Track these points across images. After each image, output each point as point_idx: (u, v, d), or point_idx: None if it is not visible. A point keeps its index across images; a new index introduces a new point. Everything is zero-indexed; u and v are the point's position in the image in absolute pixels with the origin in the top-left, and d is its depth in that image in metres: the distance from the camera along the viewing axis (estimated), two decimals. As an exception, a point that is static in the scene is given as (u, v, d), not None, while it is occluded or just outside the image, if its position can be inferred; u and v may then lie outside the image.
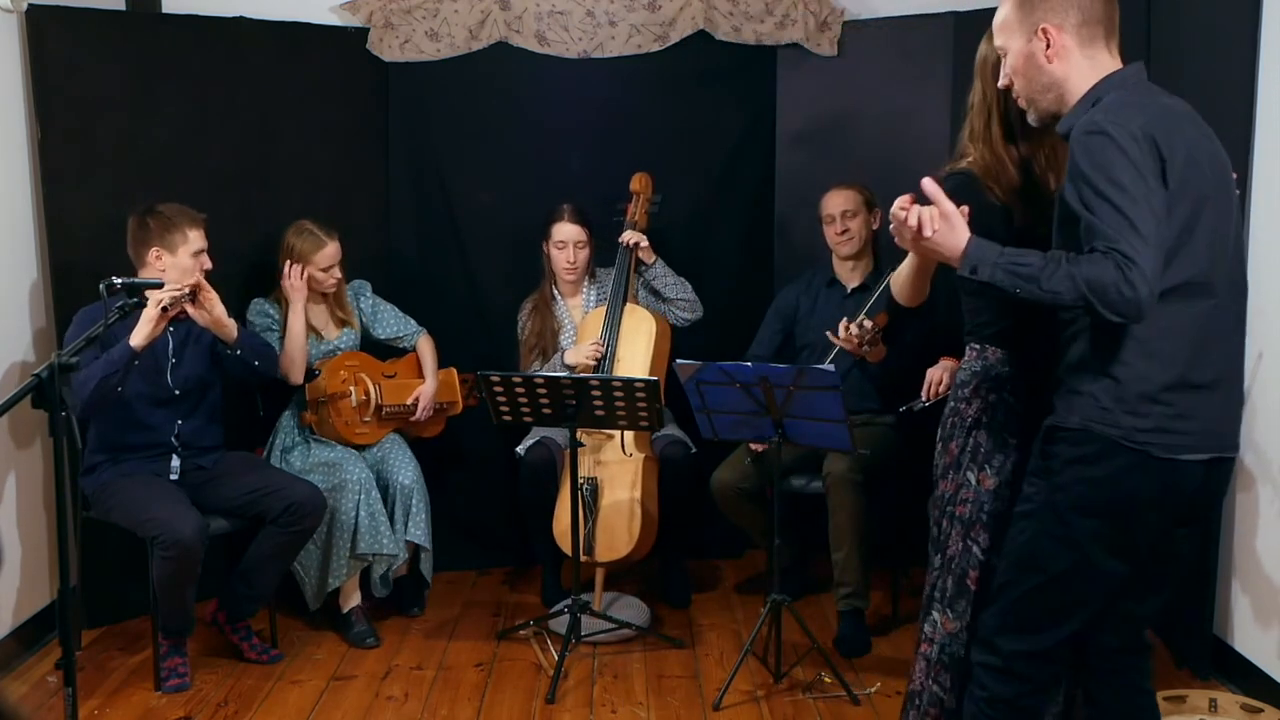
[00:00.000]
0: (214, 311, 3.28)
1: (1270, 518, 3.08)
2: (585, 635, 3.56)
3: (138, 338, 3.13)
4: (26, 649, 3.57)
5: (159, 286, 3.06)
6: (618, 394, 3.30)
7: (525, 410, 3.42)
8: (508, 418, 3.46)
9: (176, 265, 3.34)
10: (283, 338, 3.72)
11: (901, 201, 2.11)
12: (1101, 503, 2.12)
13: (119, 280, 2.69)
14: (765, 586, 3.71)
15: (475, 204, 4.32)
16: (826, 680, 3.33)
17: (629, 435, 3.79)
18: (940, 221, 2.06)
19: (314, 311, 3.83)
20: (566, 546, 3.69)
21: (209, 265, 3.41)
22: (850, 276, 3.87)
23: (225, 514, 3.43)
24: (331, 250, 3.75)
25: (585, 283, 4.10)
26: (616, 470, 3.79)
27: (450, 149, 4.28)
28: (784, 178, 4.41)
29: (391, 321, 3.99)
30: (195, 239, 3.37)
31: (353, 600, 3.72)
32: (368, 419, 3.83)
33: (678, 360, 3.19)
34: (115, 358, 3.13)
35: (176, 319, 3.24)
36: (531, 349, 4.05)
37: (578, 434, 3.51)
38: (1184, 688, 3.08)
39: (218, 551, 3.51)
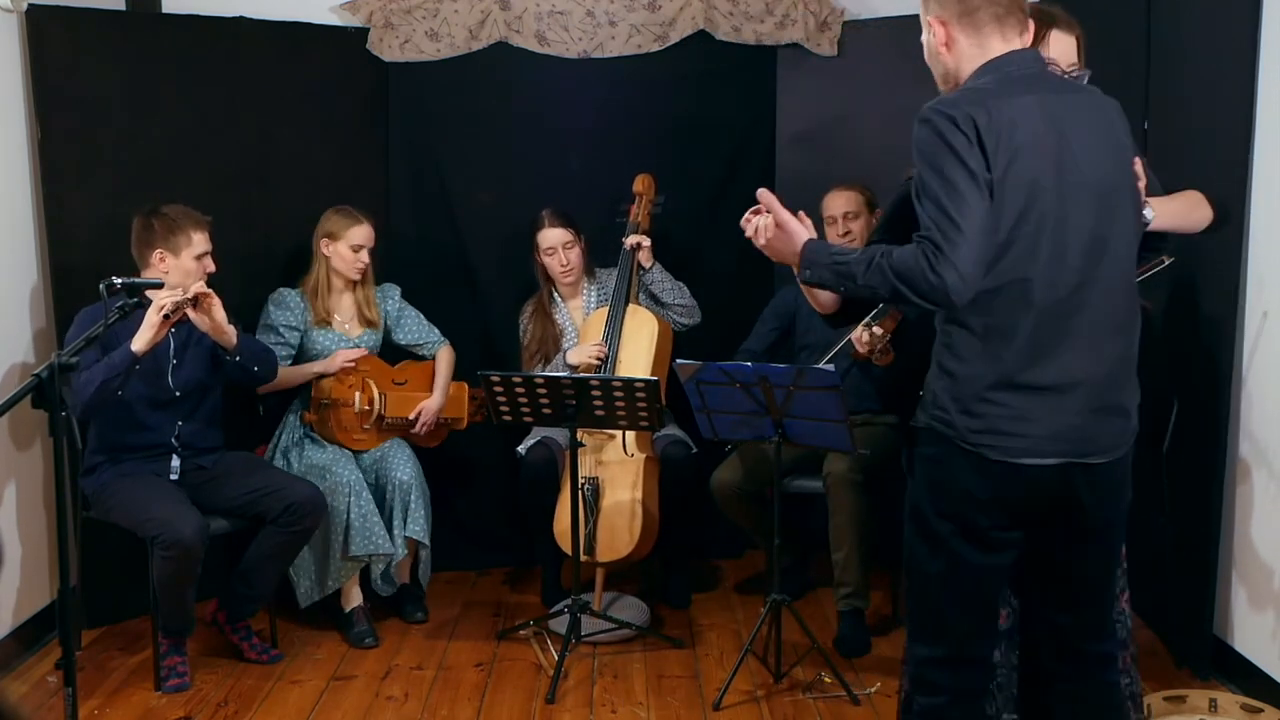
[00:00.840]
0: (215, 317, 3.27)
1: (1270, 518, 3.08)
2: (585, 635, 3.56)
3: (139, 342, 3.12)
4: (26, 649, 3.57)
5: (159, 286, 3.05)
6: (618, 394, 3.30)
7: (525, 410, 3.42)
8: (508, 418, 3.46)
9: (180, 267, 3.34)
10: (296, 336, 3.75)
11: (748, 212, 2.19)
12: (950, 503, 2.12)
13: (119, 280, 2.68)
14: (765, 586, 3.71)
15: (475, 204, 4.32)
16: (826, 680, 3.33)
17: (630, 435, 3.79)
18: (774, 230, 2.16)
19: (342, 304, 3.85)
20: (567, 546, 3.69)
21: (212, 268, 3.41)
22: (850, 277, 3.87)
23: (225, 514, 3.43)
24: (363, 230, 3.78)
25: (585, 283, 4.09)
26: (617, 470, 3.79)
27: (450, 149, 4.28)
28: (784, 178, 4.40)
29: (414, 328, 4.00)
30: (199, 241, 3.37)
31: (354, 600, 3.72)
32: (367, 427, 3.83)
33: (678, 360, 3.19)
34: (117, 361, 3.13)
35: (178, 321, 3.24)
36: (533, 354, 4.05)
37: (578, 434, 3.51)
38: (1184, 688, 3.07)
39: (218, 551, 3.51)
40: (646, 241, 3.95)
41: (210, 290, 3.25)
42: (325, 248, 3.79)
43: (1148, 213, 2.17)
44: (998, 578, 2.20)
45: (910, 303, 2.00)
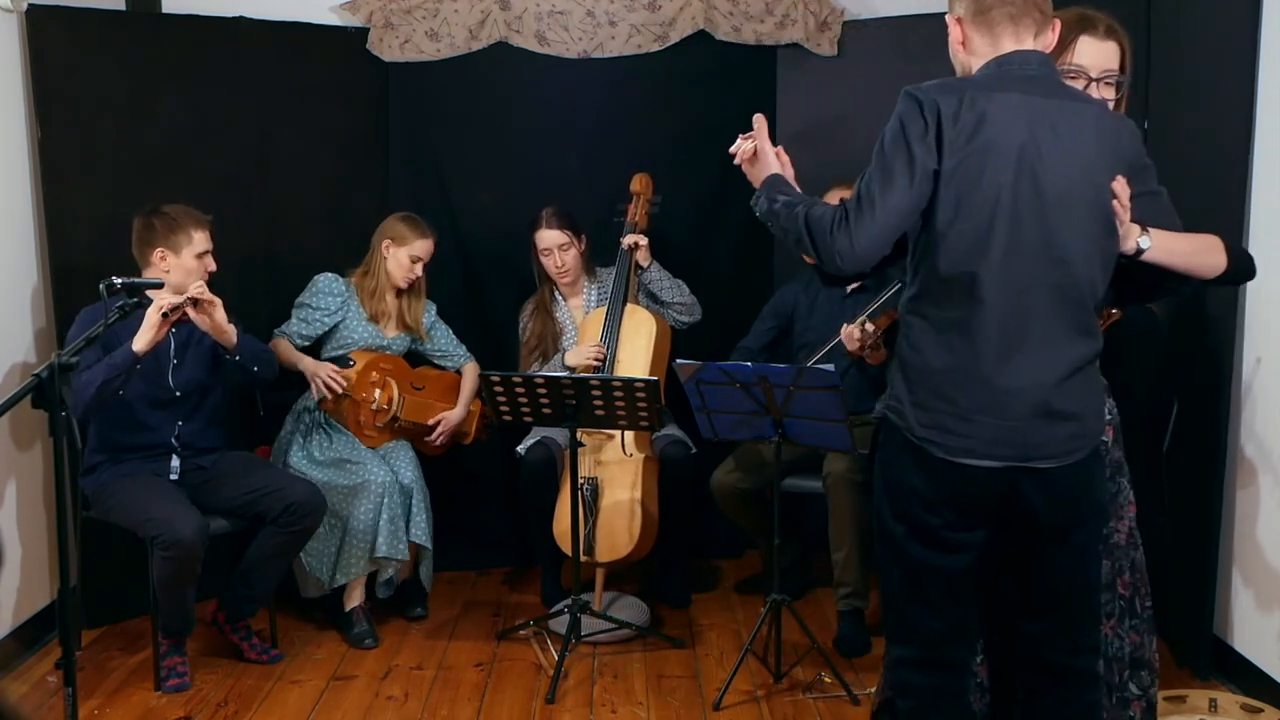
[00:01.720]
0: (215, 317, 3.27)
1: (1270, 518, 3.08)
2: (585, 635, 3.56)
3: (140, 342, 3.12)
4: (26, 649, 3.57)
5: (159, 286, 3.06)
6: (618, 394, 3.30)
7: (525, 410, 3.42)
8: (508, 418, 3.46)
9: (180, 267, 3.34)
10: (327, 322, 3.76)
11: (740, 137, 2.30)
12: (900, 503, 2.14)
13: (119, 280, 2.69)
14: (765, 586, 3.72)
15: (475, 204, 4.32)
16: (826, 680, 3.33)
17: (629, 435, 3.79)
18: (750, 156, 2.28)
19: (387, 303, 3.88)
20: (567, 546, 3.69)
21: (213, 267, 3.41)
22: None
23: (225, 514, 3.43)
24: (427, 245, 3.84)
25: (585, 282, 4.10)
26: (617, 470, 3.79)
27: (450, 149, 4.28)
28: (784, 178, 4.40)
29: (444, 342, 4.04)
30: (200, 240, 3.38)
31: (355, 599, 3.72)
32: (380, 426, 3.83)
33: (678, 360, 3.18)
34: (118, 361, 3.13)
35: (179, 321, 3.24)
36: (532, 351, 4.05)
37: (578, 434, 3.51)
38: (1184, 688, 3.08)
39: (218, 551, 3.50)
40: (643, 241, 3.95)
41: (212, 296, 3.24)
42: (386, 249, 3.82)
43: (1144, 240, 2.13)
44: (958, 578, 2.18)
45: (809, 254, 2.10)
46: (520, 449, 3.94)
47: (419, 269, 3.85)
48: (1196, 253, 2.22)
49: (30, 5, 3.54)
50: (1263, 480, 3.10)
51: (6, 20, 3.54)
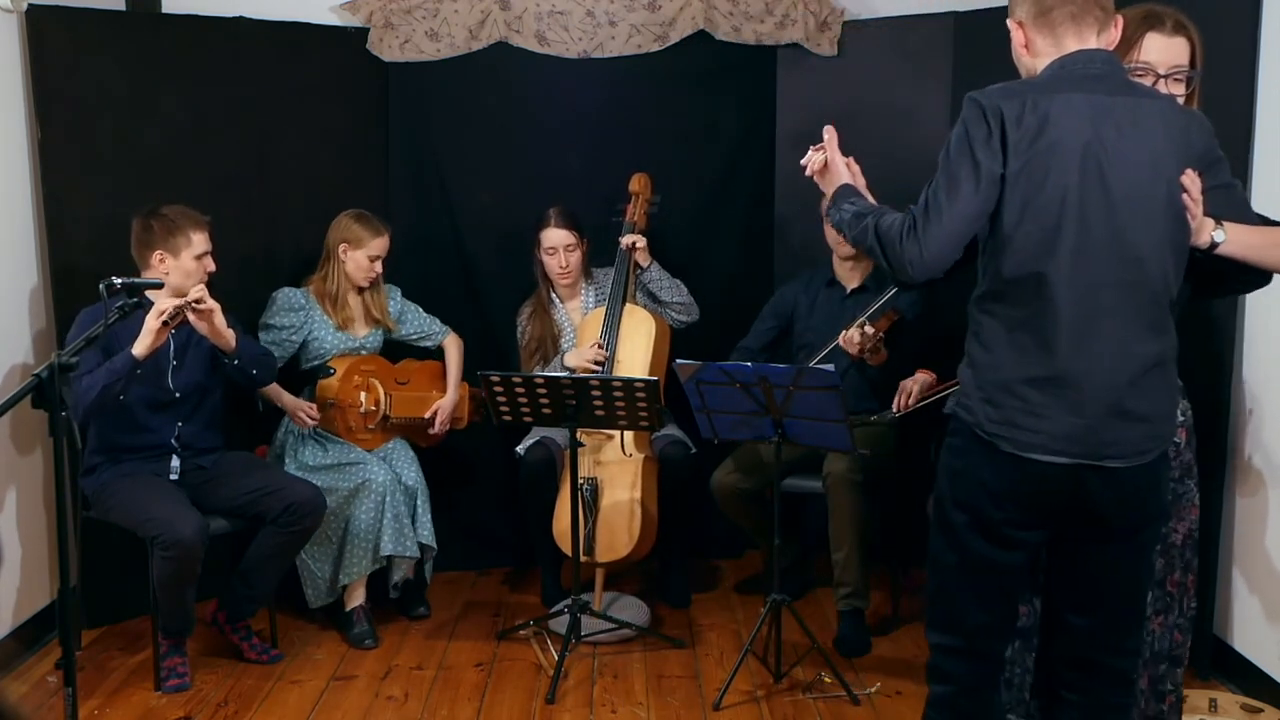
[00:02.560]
0: (214, 323, 3.27)
1: (1270, 518, 3.08)
2: (585, 635, 3.56)
3: (140, 347, 3.12)
4: (26, 649, 3.57)
5: (159, 286, 3.06)
6: (617, 394, 3.30)
7: (525, 410, 3.42)
8: (508, 418, 3.46)
9: (180, 268, 3.34)
10: (297, 338, 3.75)
11: (811, 148, 2.36)
12: (964, 494, 2.15)
13: (119, 280, 2.69)
14: (765, 586, 3.72)
15: (475, 204, 4.31)
16: (826, 680, 3.33)
17: (629, 435, 3.78)
18: (822, 167, 2.36)
19: (350, 305, 3.85)
20: (566, 546, 3.69)
21: (212, 268, 3.40)
22: (850, 277, 3.87)
23: (225, 514, 3.43)
24: (383, 242, 3.80)
25: (583, 284, 4.10)
26: (616, 470, 3.79)
27: (450, 149, 4.28)
28: (784, 178, 4.41)
29: (416, 322, 4.00)
30: (199, 242, 3.37)
31: (356, 599, 3.72)
32: (372, 428, 3.83)
33: (678, 360, 3.19)
34: (118, 366, 3.13)
35: (178, 324, 3.23)
36: (532, 354, 4.05)
37: (578, 434, 3.51)
38: (1184, 688, 3.07)
39: (218, 551, 3.50)
40: (642, 241, 3.95)
41: (211, 302, 3.24)
42: (343, 253, 3.79)
43: (1218, 234, 2.13)
44: (1012, 575, 2.20)
45: (883, 263, 2.13)
46: (519, 449, 3.94)
47: (378, 266, 3.82)
48: (1271, 246, 2.20)
49: (30, 5, 3.54)
50: (1263, 480, 3.10)
51: (6, 20, 3.54)
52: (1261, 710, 2.96)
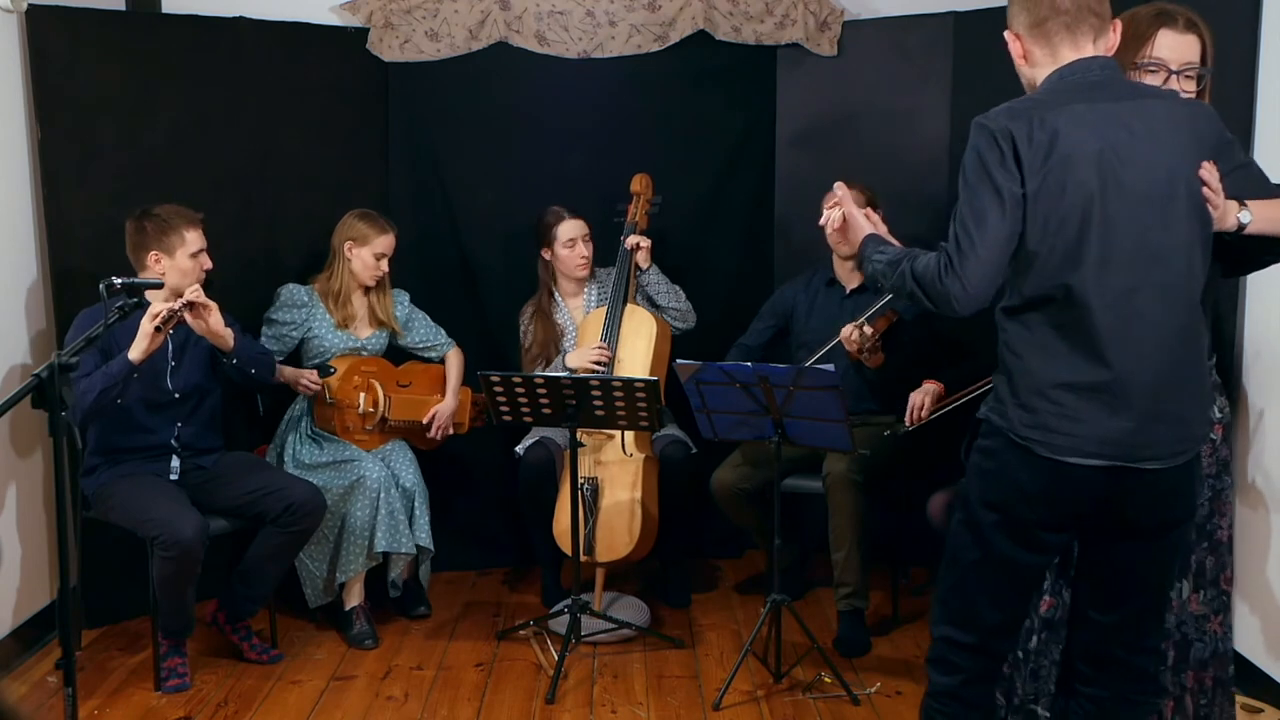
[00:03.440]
0: (211, 321, 3.27)
1: (1271, 519, 3.08)
2: (585, 635, 3.56)
3: (136, 351, 3.11)
4: (26, 649, 3.57)
5: (159, 286, 3.06)
6: (618, 394, 3.29)
7: (525, 410, 3.42)
8: (508, 418, 3.46)
9: (176, 268, 3.34)
10: (298, 334, 3.74)
11: (826, 202, 2.33)
12: (995, 494, 2.16)
13: (118, 280, 2.69)
14: (765, 586, 3.72)
15: (475, 204, 4.31)
16: (826, 680, 3.33)
17: (629, 435, 3.78)
18: (840, 224, 2.37)
19: (354, 305, 3.85)
20: (566, 547, 3.69)
21: (208, 265, 3.40)
22: (850, 277, 3.86)
23: (225, 514, 3.43)
24: (389, 240, 3.80)
25: (587, 282, 4.09)
26: (617, 470, 3.79)
27: (450, 149, 4.28)
28: (784, 178, 4.41)
29: (423, 331, 4.00)
30: (193, 240, 3.36)
31: (355, 599, 3.72)
32: (370, 429, 3.83)
33: (678, 360, 3.19)
34: (114, 371, 3.12)
35: (176, 323, 3.23)
36: (535, 358, 4.04)
37: (578, 434, 3.51)
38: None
39: (218, 551, 3.50)
40: (646, 242, 3.95)
41: (207, 300, 3.23)
42: (349, 251, 3.79)
43: (1244, 216, 2.14)
44: (1031, 577, 2.23)
45: (924, 308, 2.12)
46: (519, 449, 3.94)
47: (384, 265, 3.82)
48: None
49: (30, 5, 3.54)
50: (1263, 482, 3.10)
51: (6, 20, 3.54)
52: (1262, 710, 2.96)
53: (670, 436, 3.90)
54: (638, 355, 3.86)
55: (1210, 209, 2.09)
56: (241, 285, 3.81)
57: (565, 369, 3.89)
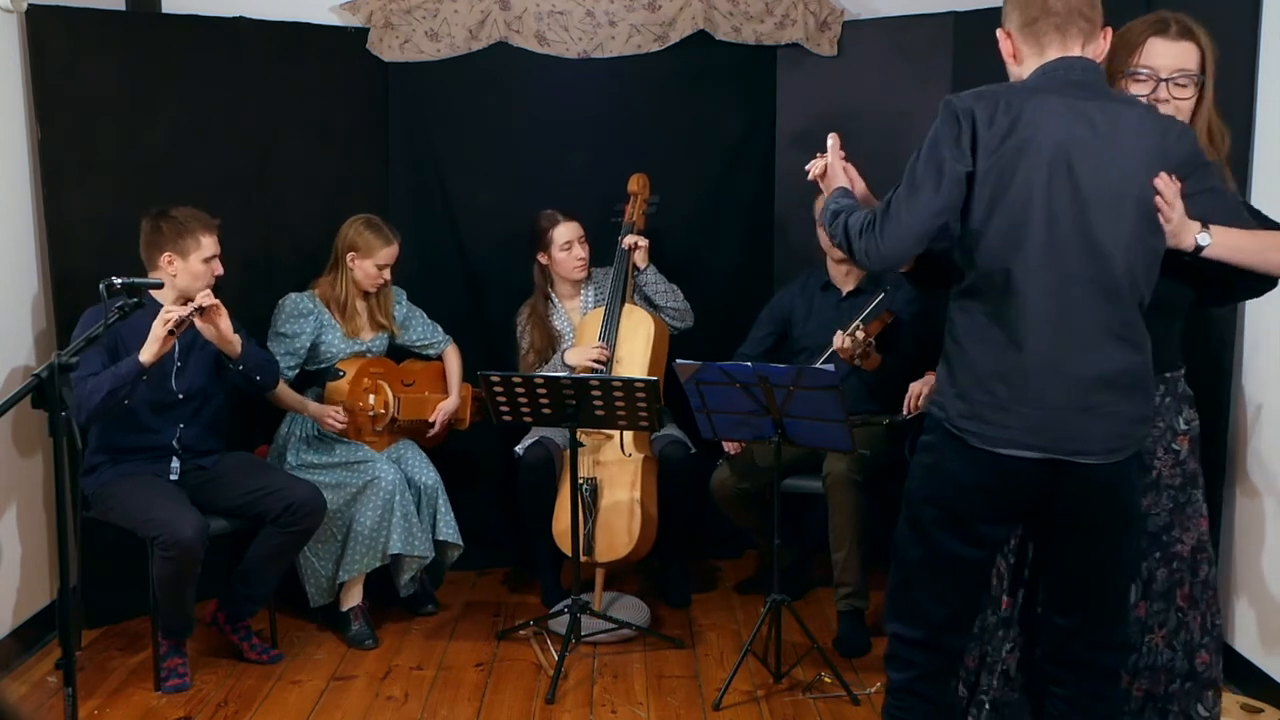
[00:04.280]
0: (220, 326, 3.27)
1: (1270, 520, 3.08)
2: (585, 635, 3.56)
3: (147, 354, 3.11)
4: (26, 649, 3.57)
5: (159, 286, 3.06)
6: (617, 394, 3.29)
7: (525, 410, 3.41)
8: (507, 418, 3.46)
9: (188, 270, 3.33)
10: (304, 344, 3.74)
11: (820, 154, 2.44)
12: (935, 489, 2.21)
13: (119, 280, 2.69)
14: (765, 586, 3.71)
15: (475, 204, 4.32)
16: (826, 680, 3.33)
17: (629, 435, 3.78)
18: (821, 171, 2.45)
19: (358, 311, 3.84)
20: (566, 547, 3.69)
21: (220, 271, 3.40)
22: (845, 280, 3.86)
23: (225, 514, 3.43)
24: (393, 250, 3.78)
25: (583, 283, 4.09)
26: (616, 470, 3.79)
27: (450, 149, 4.28)
28: (784, 178, 4.41)
29: (421, 329, 4.00)
30: (208, 245, 3.36)
31: (353, 599, 3.71)
32: (380, 430, 3.83)
33: (677, 360, 3.19)
34: (124, 372, 3.12)
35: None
36: (531, 366, 4.04)
37: (577, 434, 3.51)
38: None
39: (218, 551, 3.50)
40: (643, 242, 3.95)
41: (217, 301, 3.24)
42: (352, 261, 3.77)
43: (1203, 237, 2.14)
44: (974, 572, 2.26)
45: (849, 256, 2.24)
46: (518, 449, 3.94)
47: (387, 274, 3.81)
48: (1266, 249, 2.19)
49: (30, 5, 3.54)
50: (1263, 482, 3.10)
51: (6, 20, 3.54)
52: (1262, 710, 2.96)
53: (670, 436, 3.90)
54: (636, 355, 3.86)
55: (1162, 220, 2.11)
56: (241, 285, 3.80)
57: (564, 366, 3.89)
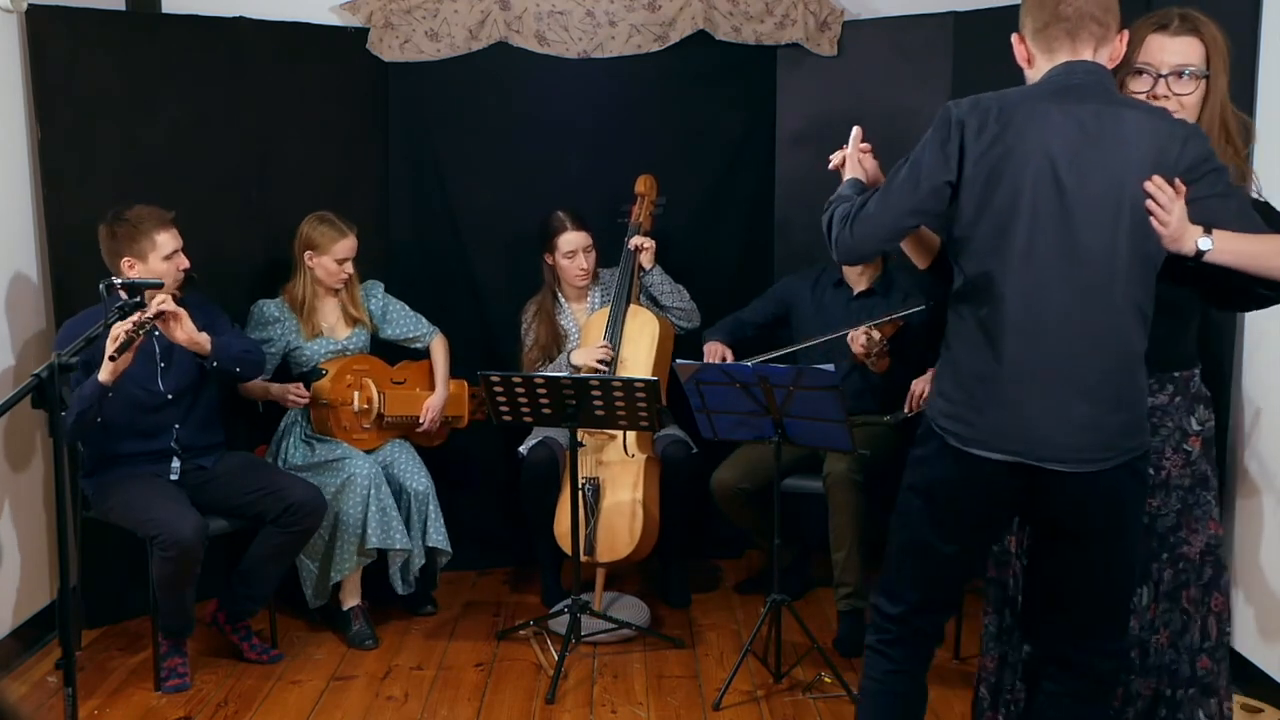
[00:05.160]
0: (184, 328, 3.22)
1: (1270, 520, 3.08)
2: (585, 635, 3.56)
3: (105, 374, 3.06)
4: (26, 649, 3.57)
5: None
6: (618, 394, 3.29)
7: (525, 410, 3.41)
8: (508, 418, 3.46)
9: (150, 272, 3.27)
10: (277, 349, 3.73)
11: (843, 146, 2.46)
12: (920, 481, 2.25)
13: (118, 280, 2.68)
14: (765, 586, 3.71)
15: (475, 204, 4.31)
16: (826, 680, 3.33)
17: (630, 435, 3.78)
18: (840, 162, 2.46)
19: (326, 308, 3.83)
20: (567, 547, 3.69)
21: (185, 264, 3.36)
22: (858, 280, 3.86)
23: (225, 514, 3.43)
24: (349, 243, 3.75)
25: (590, 285, 4.09)
26: (618, 471, 3.79)
27: (450, 149, 4.28)
28: (784, 178, 4.41)
29: (402, 321, 3.96)
30: (165, 242, 3.31)
31: (353, 599, 3.71)
32: (367, 426, 3.82)
33: (678, 360, 3.19)
34: (87, 393, 3.09)
35: (152, 330, 3.17)
36: (534, 361, 4.04)
37: (579, 434, 3.51)
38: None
39: (218, 551, 3.51)
40: (650, 244, 3.95)
41: (173, 308, 3.17)
42: (309, 260, 3.74)
43: (1203, 242, 2.08)
44: (947, 565, 2.28)
45: (827, 243, 2.26)
46: (522, 449, 3.94)
47: (349, 267, 3.76)
48: (1264, 254, 2.13)
49: (30, 5, 3.54)
50: (1262, 483, 3.10)
51: (6, 20, 3.54)
52: (1261, 710, 2.96)
53: (671, 436, 3.90)
54: (640, 355, 3.86)
55: (1156, 225, 2.06)
56: (241, 285, 3.80)
57: (570, 366, 3.89)
